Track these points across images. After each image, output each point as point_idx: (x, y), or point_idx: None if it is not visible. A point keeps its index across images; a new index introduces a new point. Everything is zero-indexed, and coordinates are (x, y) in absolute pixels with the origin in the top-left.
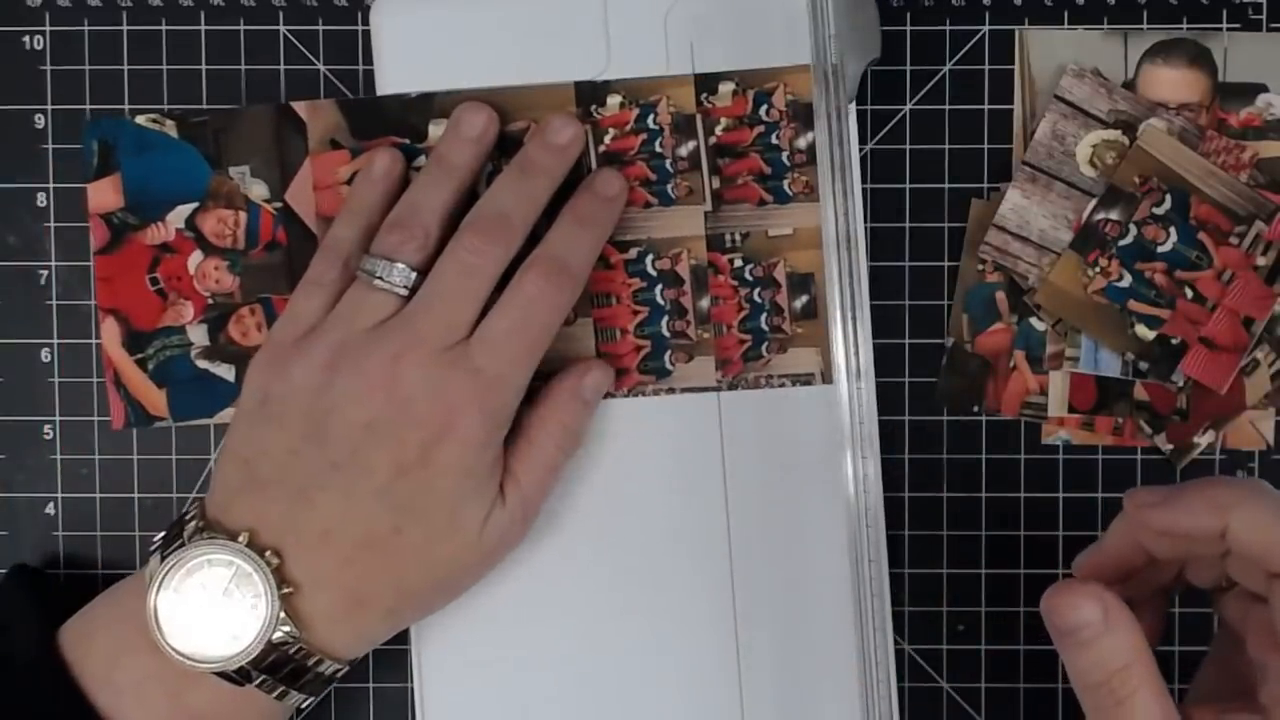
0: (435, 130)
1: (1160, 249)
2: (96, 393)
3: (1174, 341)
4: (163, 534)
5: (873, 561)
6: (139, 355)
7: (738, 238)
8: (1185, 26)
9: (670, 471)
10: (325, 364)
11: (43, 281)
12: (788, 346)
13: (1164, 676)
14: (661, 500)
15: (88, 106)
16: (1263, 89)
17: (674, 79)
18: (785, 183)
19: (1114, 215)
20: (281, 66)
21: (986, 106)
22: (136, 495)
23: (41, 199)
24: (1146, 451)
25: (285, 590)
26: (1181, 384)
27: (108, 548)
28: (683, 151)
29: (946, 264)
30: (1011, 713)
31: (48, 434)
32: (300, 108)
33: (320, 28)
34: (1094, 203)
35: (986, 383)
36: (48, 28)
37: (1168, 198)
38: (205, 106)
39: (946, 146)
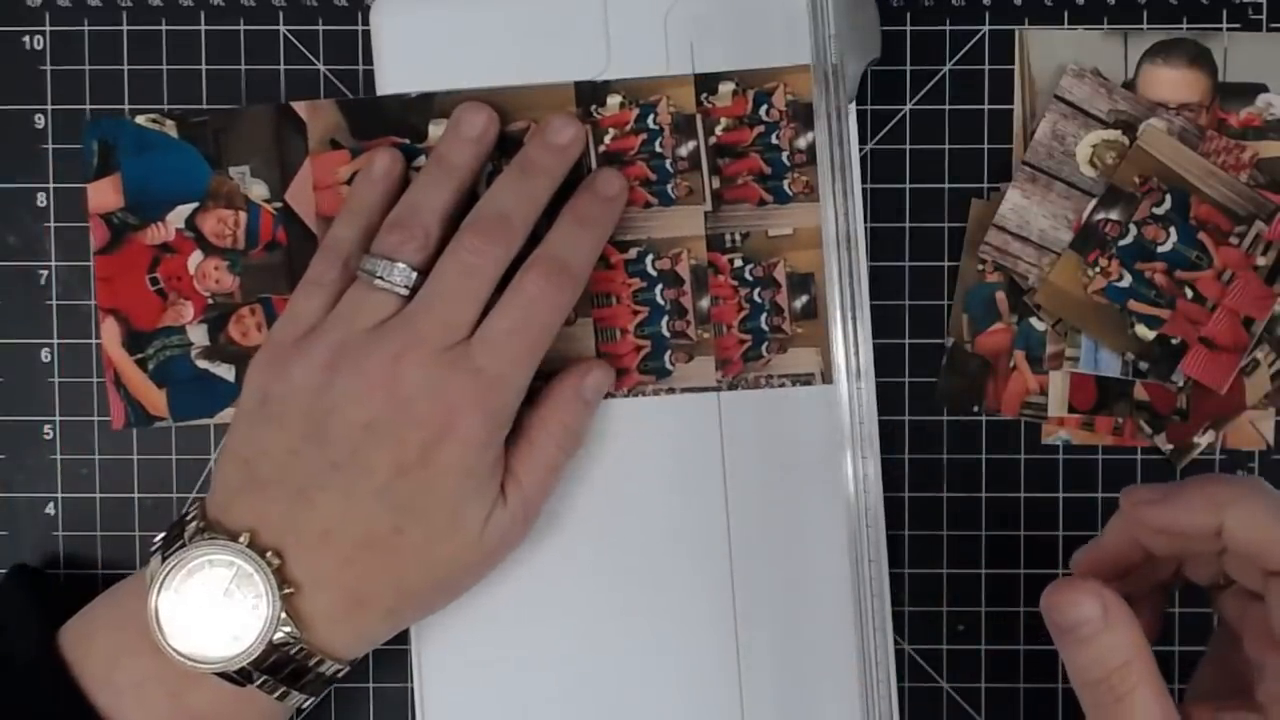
0: (435, 130)
1: (1160, 249)
2: (96, 393)
3: (1174, 341)
4: (163, 534)
5: (873, 561)
6: (139, 355)
7: (738, 238)
8: (1185, 26)
9: (670, 471)
10: (325, 364)
11: (43, 281)
12: (788, 346)
13: (1164, 676)
14: (661, 500)
15: (88, 106)
16: (1263, 89)
17: (674, 79)
18: (785, 183)
19: (1114, 215)
20: (281, 66)
21: (986, 106)
22: (136, 495)
23: (41, 199)
24: (1146, 451)
25: (286, 590)
26: (1181, 384)
27: (108, 548)
28: (683, 151)
29: (946, 264)
30: (1011, 713)
31: (48, 434)
32: (300, 108)
33: (320, 28)
34: (1094, 203)
35: (986, 383)
36: (48, 28)
37: (1168, 198)
38: (205, 106)
39: (946, 146)
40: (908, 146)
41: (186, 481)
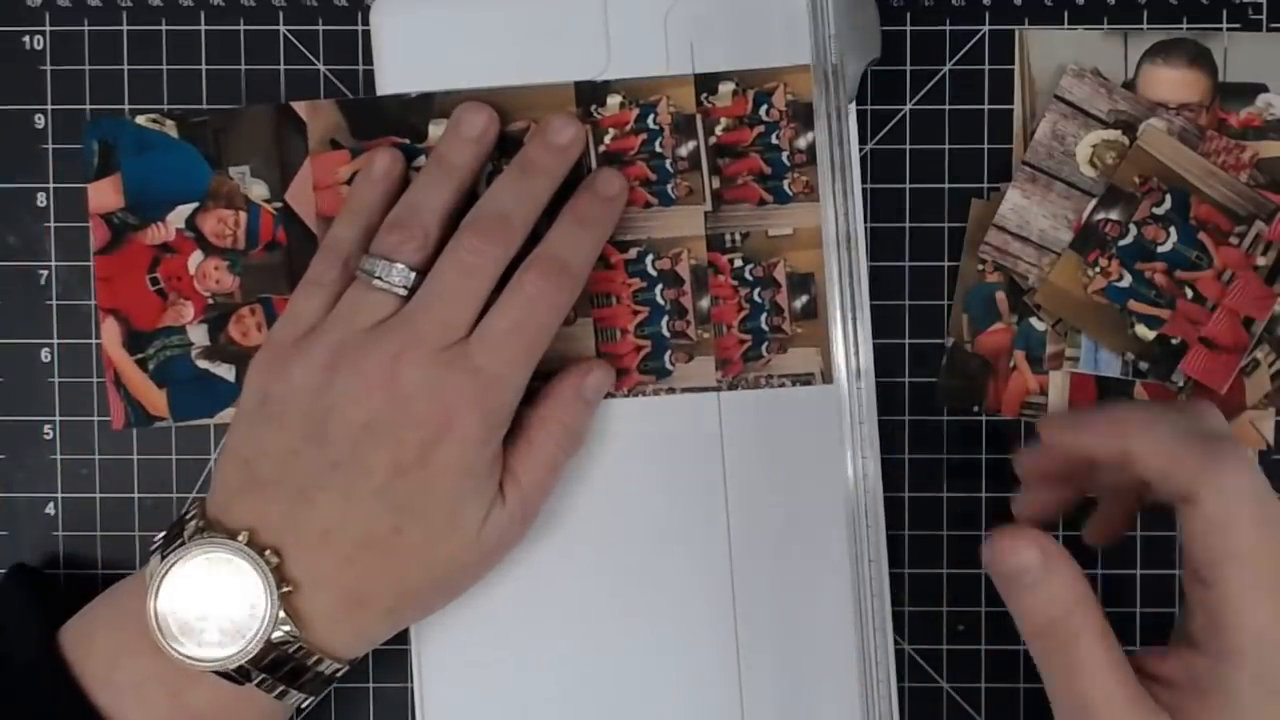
0: (435, 130)
1: (1160, 249)
2: (96, 393)
3: (1174, 341)
4: (163, 534)
5: (873, 561)
6: (139, 355)
7: (738, 238)
8: (1185, 26)
9: (670, 471)
10: (325, 364)
11: (43, 281)
12: (788, 346)
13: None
14: (661, 500)
15: (88, 106)
16: (1263, 89)
17: (674, 79)
18: (785, 183)
19: (1114, 215)
20: (281, 66)
21: (986, 106)
22: (136, 495)
23: (41, 199)
24: None
25: (285, 589)
26: (1181, 384)
27: (108, 548)
28: (683, 151)
29: (946, 264)
30: (1011, 713)
31: (48, 434)
32: (300, 108)
33: (320, 28)
34: (1094, 203)
35: (986, 383)
36: (48, 28)
37: (1168, 198)
38: (205, 106)
39: (946, 146)
40: (908, 146)
41: (186, 481)
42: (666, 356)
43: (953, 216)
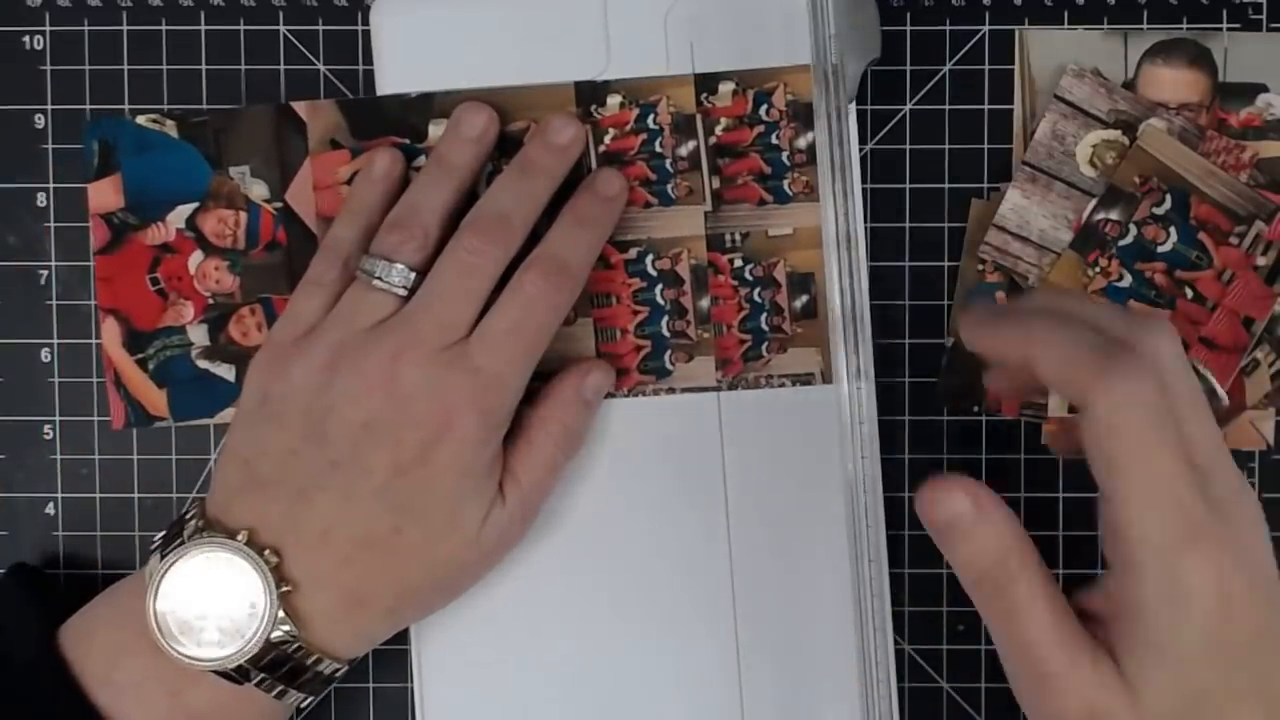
0: (435, 130)
1: (1160, 249)
2: (96, 393)
3: None
4: (163, 533)
5: (873, 561)
6: (139, 355)
7: (738, 237)
8: (1185, 26)
9: (670, 471)
10: (324, 364)
11: (43, 281)
12: (788, 346)
13: None
14: (661, 500)
15: (88, 106)
16: (1263, 89)
17: (674, 79)
18: (785, 183)
19: (1114, 215)
20: (281, 66)
21: (986, 106)
22: (136, 495)
23: (41, 199)
24: None
25: (284, 589)
26: None
27: (108, 548)
28: (683, 151)
29: (946, 264)
30: (1011, 713)
31: (48, 434)
32: (300, 108)
33: (320, 28)
34: (1094, 203)
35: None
36: (48, 28)
37: (1168, 198)
38: (205, 106)
39: (946, 146)
40: (908, 146)
41: (186, 481)
42: (666, 356)
43: (953, 216)
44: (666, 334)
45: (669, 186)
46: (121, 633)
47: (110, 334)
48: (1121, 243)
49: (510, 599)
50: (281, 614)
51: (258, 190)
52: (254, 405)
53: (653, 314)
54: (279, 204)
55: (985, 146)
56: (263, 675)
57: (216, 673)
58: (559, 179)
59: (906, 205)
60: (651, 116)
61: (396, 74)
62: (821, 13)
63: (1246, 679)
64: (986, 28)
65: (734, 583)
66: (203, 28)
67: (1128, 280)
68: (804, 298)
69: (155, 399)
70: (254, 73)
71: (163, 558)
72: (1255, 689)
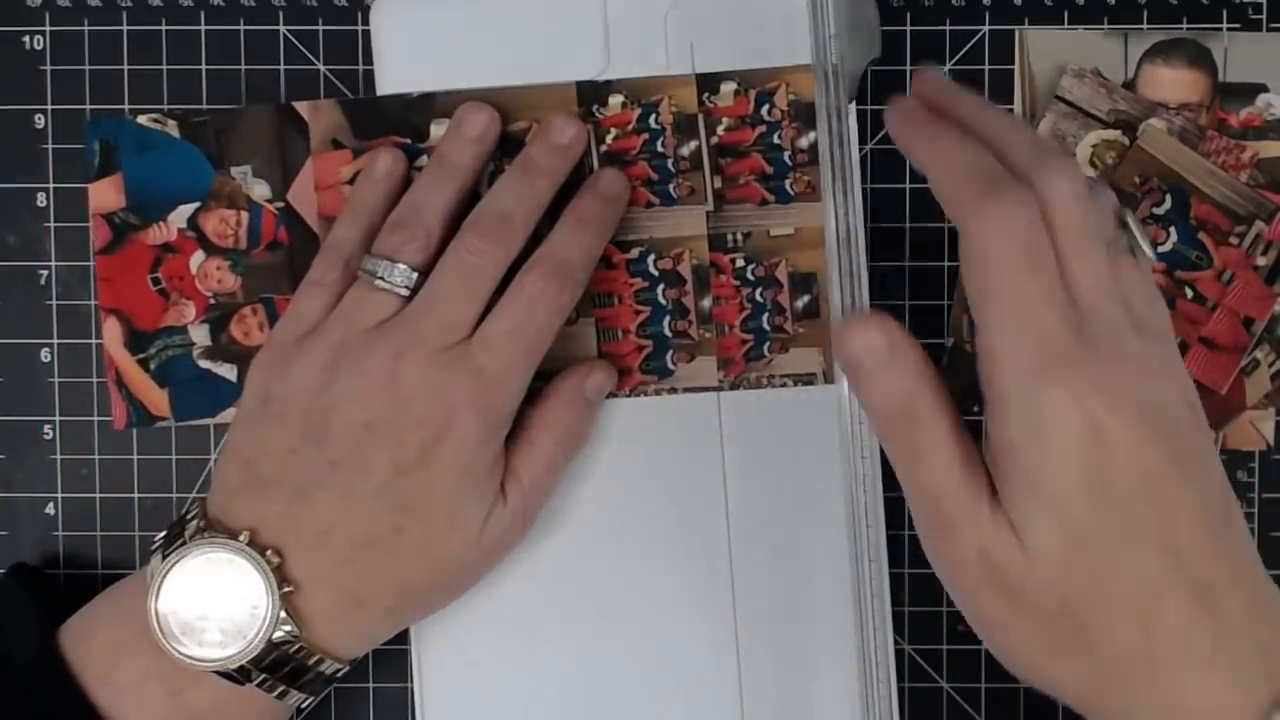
0: (437, 130)
1: (1160, 249)
2: (96, 393)
3: None
4: (163, 533)
5: (873, 561)
6: (141, 355)
7: (739, 237)
8: (1185, 26)
9: (671, 471)
10: (326, 364)
11: (43, 281)
12: (789, 346)
13: None
14: (662, 500)
15: (88, 106)
16: (1263, 89)
17: (676, 79)
18: (787, 182)
19: None
20: (281, 66)
21: None
22: (136, 495)
23: (41, 199)
24: None
25: (285, 589)
26: None
27: (108, 548)
28: (684, 151)
29: (946, 264)
30: (1011, 713)
31: (48, 434)
32: (302, 107)
33: (320, 28)
34: None
35: None
36: (48, 28)
37: (1168, 198)
38: (206, 106)
39: None
40: None
41: (186, 481)
42: (668, 356)
43: None
44: (668, 334)
45: (671, 186)
46: (122, 633)
47: (112, 334)
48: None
49: (510, 599)
50: (283, 614)
51: (259, 190)
52: (255, 405)
53: (654, 314)
54: (281, 204)
55: None
56: (264, 676)
57: (218, 673)
58: (561, 179)
59: (906, 205)
60: (653, 116)
61: (397, 74)
62: (821, 13)
63: (1138, 523)
64: (986, 28)
65: (734, 583)
66: (203, 28)
67: None
68: (806, 298)
69: (157, 399)
70: (254, 73)
71: (164, 558)
72: (1151, 535)
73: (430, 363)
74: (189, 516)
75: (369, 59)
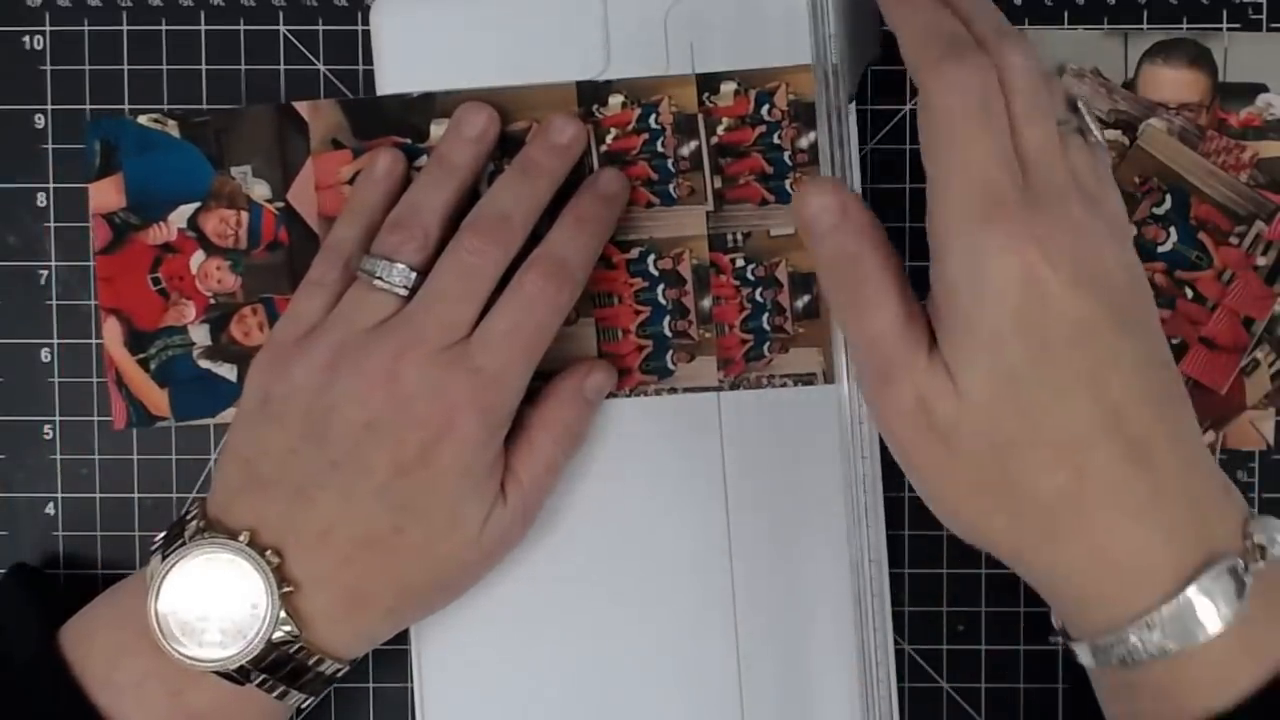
0: (437, 130)
1: (1160, 249)
2: (96, 393)
3: (1174, 341)
4: (163, 534)
5: (873, 561)
6: (141, 355)
7: (739, 237)
8: (1185, 26)
9: (671, 471)
10: (326, 364)
11: (43, 281)
12: (789, 346)
13: None
14: (662, 500)
15: (88, 106)
16: (1263, 89)
17: (676, 79)
18: (787, 182)
19: None
20: (281, 66)
21: None
22: (136, 495)
23: (41, 199)
24: None
25: (285, 589)
26: None
27: (108, 548)
28: (684, 151)
29: None
30: (1011, 713)
31: (48, 434)
32: (302, 107)
33: (320, 28)
34: None
35: None
36: (48, 28)
37: (1168, 198)
38: (206, 106)
39: None
40: (908, 146)
41: (186, 481)
42: (668, 356)
43: None
44: (668, 334)
45: (671, 186)
46: (122, 633)
47: (112, 334)
48: None
49: (510, 599)
50: (283, 615)
51: (259, 190)
52: (255, 405)
53: (654, 314)
54: (281, 204)
55: None
56: (264, 676)
57: (218, 673)
58: (560, 179)
59: (906, 205)
60: (653, 116)
61: (396, 74)
62: (821, 13)
63: (1071, 372)
64: None
65: (734, 582)
66: (203, 28)
67: None
68: (806, 298)
69: (157, 399)
70: (254, 73)
71: (164, 558)
72: (1084, 385)
73: (430, 362)
74: (189, 517)
75: (369, 59)
